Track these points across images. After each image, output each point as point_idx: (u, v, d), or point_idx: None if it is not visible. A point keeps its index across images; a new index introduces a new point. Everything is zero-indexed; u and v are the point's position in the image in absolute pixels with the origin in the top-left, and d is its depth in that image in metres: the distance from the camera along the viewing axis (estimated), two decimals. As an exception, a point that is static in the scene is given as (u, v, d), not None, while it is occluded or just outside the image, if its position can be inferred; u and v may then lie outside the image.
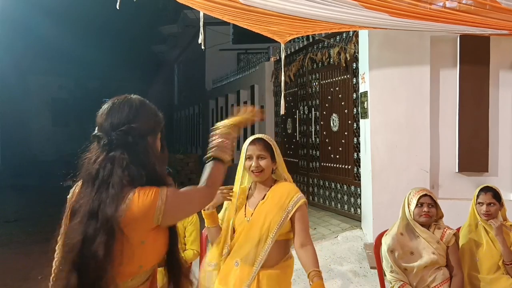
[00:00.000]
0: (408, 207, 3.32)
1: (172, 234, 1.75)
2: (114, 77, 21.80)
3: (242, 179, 2.77)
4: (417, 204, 3.27)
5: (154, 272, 1.75)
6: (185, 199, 1.71)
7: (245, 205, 2.72)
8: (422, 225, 3.29)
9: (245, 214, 2.68)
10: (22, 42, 18.23)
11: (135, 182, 1.61)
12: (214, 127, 2.14)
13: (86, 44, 19.43)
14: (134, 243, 1.58)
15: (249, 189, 2.78)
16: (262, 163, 2.64)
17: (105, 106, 1.72)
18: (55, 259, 1.69)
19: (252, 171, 2.65)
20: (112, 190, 1.57)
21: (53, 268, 1.69)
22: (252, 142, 2.70)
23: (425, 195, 3.30)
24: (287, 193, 2.65)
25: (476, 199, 3.45)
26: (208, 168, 1.87)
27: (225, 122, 2.17)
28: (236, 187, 2.74)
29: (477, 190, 3.48)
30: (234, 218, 2.69)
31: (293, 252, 2.70)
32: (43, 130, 20.93)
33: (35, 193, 13.05)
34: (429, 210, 3.27)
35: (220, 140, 2.01)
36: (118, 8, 4.15)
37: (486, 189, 3.44)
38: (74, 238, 1.57)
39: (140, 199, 1.57)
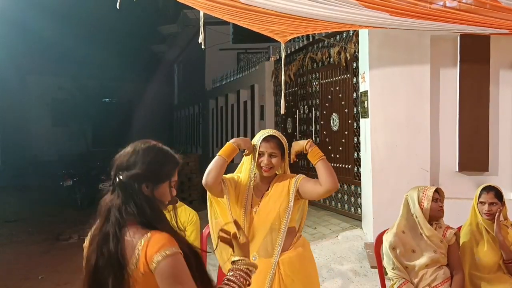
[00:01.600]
0: (420, 203, 3.28)
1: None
2: (114, 77, 21.79)
3: (244, 169, 2.86)
4: (433, 199, 3.26)
5: None
6: (177, 281, 1.64)
7: (252, 196, 2.80)
8: (432, 220, 3.28)
9: (251, 206, 2.77)
10: (22, 43, 18.20)
11: (137, 221, 1.69)
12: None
13: (85, 44, 19.41)
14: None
15: (254, 180, 2.84)
16: (274, 161, 2.74)
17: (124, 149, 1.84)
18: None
19: (262, 167, 2.74)
20: (111, 228, 1.68)
21: None
22: (265, 139, 2.77)
23: (438, 191, 3.33)
24: (288, 181, 2.76)
25: (478, 198, 3.44)
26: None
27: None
28: (244, 173, 2.83)
29: (479, 189, 3.48)
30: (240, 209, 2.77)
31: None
32: (43, 130, 20.90)
33: (35, 193, 13.07)
34: (442, 204, 3.30)
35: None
36: (118, 8, 4.15)
37: (488, 189, 3.43)
38: (89, 265, 1.70)
39: (150, 246, 1.63)
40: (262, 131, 2.88)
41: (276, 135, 2.79)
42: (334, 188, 2.61)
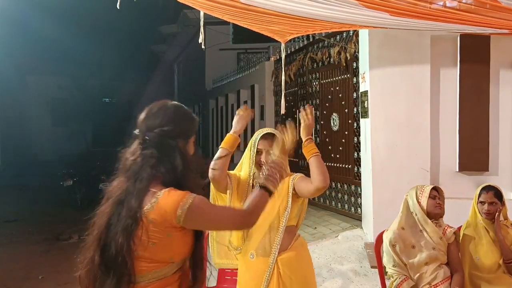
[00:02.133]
0: (418, 200, 3.30)
1: (199, 232, 1.87)
2: (114, 77, 21.80)
3: (244, 167, 2.85)
4: (430, 196, 3.27)
5: (184, 266, 1.86)
6: (211, 214, 1.79)
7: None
8: (430, 218, 3.29)
9: None
10: (22, 42, 18.20)
11: (163, 180, 1.77)
12: (270, 153, 2.26)
13: (85, 44, 19.40)
14: (161, 235, 1.72)
15: (252, 179, 2.83)
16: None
17: (145, 110, 1.91)
18: (88, 238, 1.83)
19: (260, 165, 2.73)
20: (139, 184, 1.74)
21: (85, 244, 1.84)
22: (263, 137, 2.78)
23: (437, 188, 3.35)
24: (286, 180, 2.74)
25: (478, 198, 3.44)
26: (253, 194, 1.91)
27: (277, 150, 2.23)
28: (244, 171, 2.83)
29: (479, 189, 3.48)
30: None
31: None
32: (43, 130, 20.89)
33: (35, 193, 13.06)
34: (441, 202, 3.30)
35: (273, 169, 2.00)
36: (118, 8, 4.15)
37: (488, 188, 3.44)
38: (101, 220, 1.77)
39: (168, 198, 1.71)
40: (259, 130, 2.89)
41: (274, 132, 2.79)
42: (323, 187, 2.56)
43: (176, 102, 1.96)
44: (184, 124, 1.90)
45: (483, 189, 3.45)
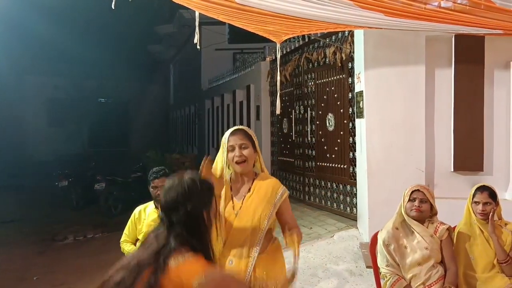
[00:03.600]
0: (403, 202, 3.36)
1: None
2: (110, 77, 21.74)
3: (220, 171, 2.77)
4: (409, 199, 3.32)
5: None
6: None
7: (232, 198, 2.73)
8: (414, 219, 3.31)
9: (233, 207, 2.69)
10: (18, 42, 18.14)
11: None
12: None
13: (81, 44, 19.34)
14: None
15: (230, 181, 2.78)
16: (245, 152, 2.67)
17: (164, 189, 1.97)
18: None
19: (236, 162, 2.67)
20: (160, 259, 1.77)
21: None
22: (232, 133, 2.73)
23: (418, 190, 3.34)
24: (271, 188, 2.70)
25: (472, 198, 3.46)
26: None
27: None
28: (219, 171, 2.76)
29: (473, 189, 3.49)
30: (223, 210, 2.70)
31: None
32: (39, 130, 20.82)
33: (31, 194, 13.02)
34: (420, 205, 3.30)
35: None
36: (113, 8, 4.14)
37: (482, 188, 3.45)
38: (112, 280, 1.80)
39: (184, 267, 1.75)
40: (228, 129, 2.84)
41: (242, 127, 2.77)
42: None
43: (189, 175, 1.99)
44: (204, 196, 1.96)
45: (478, 189, 3.46)
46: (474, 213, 3.44)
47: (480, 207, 3.39)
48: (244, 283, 1.92)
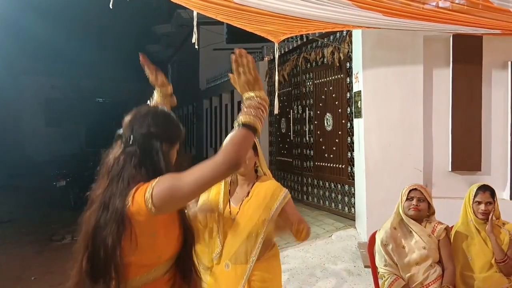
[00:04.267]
0: (401, 202, 3.36)
1: (186, 229, 1.82)
2: (108, 77, 21.73)
3: None
4: (407, 198, 3.32)
5: (174, 268, 1.81)
6: (171, 181, 1.64)
7: (229, 202, 2.68)
8: (412, 219, 3.31)
9: (230, 212, 2.64)
10: (15, 42, 18.11)
11: (145, 181, 1.69)
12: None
13: (79, 44, 19.35)
14: (145, 235, 1.67)
15: (230, 184, 2.74)
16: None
17: (132, 111, 1.88)
18: (76, 245, 1.77)
19: None
20: (121, 184, 1.69)
21: (74, 251, 1.77)
22: None
23: (415, 189, 3.33)
24: (271, 193, 2.64)
25: (474, 198, 3.43)
26: (234, 133, 1.70)
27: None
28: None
29: (474, 188, 3.47)
30: (219, 216, 2.64)
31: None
32: (37, 130, 20.80)
33: (28, 194, 12.98)
34: (418, 204, 3.29)
35: (257, 104, 1.77)
36: (111, 8, 4.14)
37: (484, 188, 3.43)
38: (89, 225, 1.72)
39: (136, 192, 1.66)
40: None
41: None
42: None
43: (164, 108, 1.93)
44: (170, 129, 1.86)
45: (479, 189, 3.44)
46: (474, 213, 3.42)
47: (482, 207, 3.38)
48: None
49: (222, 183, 2.71)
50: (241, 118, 1.72)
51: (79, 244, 1.73)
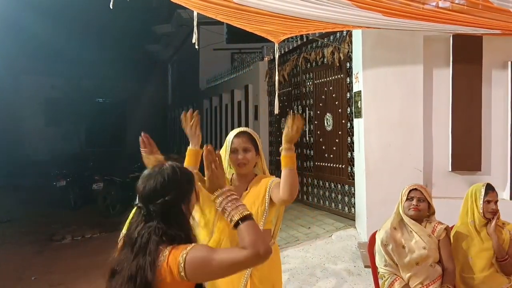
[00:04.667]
0: (401, 202, 3.36)
1: None
2: (108, 77, 21.68)
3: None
4: (407, 198, 3.32)
5: None
6: (203, 261, 1.71)
7: None
8: (413, 219, 3.32)
9: None
10: (15, 42, 18.09)
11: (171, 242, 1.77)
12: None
13: (79, 44, 19.31)
14: None
15: (231, 181, 2.79)
16: (248, 155, 2.70)
17: (141, 178, 1.89)
18: None
19: (237, 164, 2.69)
20: (149, 257, 1.73)
21: None
22: (237, 135, 2.74)
23: (415, 189, 3.34)
24: (264, 185, 2.70)
25: (484, 197, 3.41)
26: (244, 231, 1.78)
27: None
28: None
29: (481, 188, 3.44)
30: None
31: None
32: (36, 130, 20.76)
33: (28, 193, 12.98)
34: (418, 204, 3.30)
35: (230, 199, 1.88)
36: (111, 8, 4.14)
37: (492, 187, 3.45)
38: None
39: (170, 254, 1.72)
40: (233, 130, 2.85)
41: (248, 130, 2.77)
42: (288, 200, 2.52)
43: (171, 164, 1.93)
44: (184, 187, 1.88)
45: (489, 188, 3.43)
46: (483, 211, 3.40)
47: (492, 205, 3.39)
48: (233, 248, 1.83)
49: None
50: (238, 215, 1.81)
51: None
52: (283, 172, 2.52)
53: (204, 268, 1.69)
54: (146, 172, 1.91)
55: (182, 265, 1.67)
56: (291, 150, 2.54)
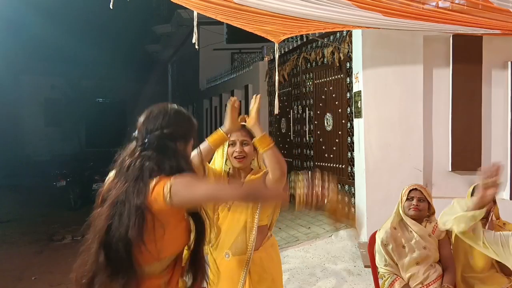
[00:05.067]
0: (401, 202, 3.37)
1: (199, 227, 1.87)
2: (107, 77, 21.70)
3: (216, 162, 2.79)
4: (407, 198, 3.32)
5: (173, 263, 1.84)
6: (187, 183, 1.73)
7: None
8: (413, 219, 3.32)
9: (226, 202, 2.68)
10: (15, 42, 18.11)
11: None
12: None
13: (79, 44, 19.32)
14: (155, 226, 1.72)
15: (228, 176, 2.79)
16: (246, 149, 2.70)
17: (145, 112, 1.91)
18: (86, 240, 1.82)
19: (235, 157, 2.69)
20: (139, 183, 1.74)
21: (83, 248, 1.82)
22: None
23: (415, 189, 3.35)
24: (258, 178, 2.70)
25: (471, 197, 3.44)
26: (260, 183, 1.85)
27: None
28: (218, 166, 2.78)
29: (471, 188, 3.48)
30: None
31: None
32: (36, 130, 20.78)
33: (28, 193, 12.98)
34: (418, 204, 3.30)
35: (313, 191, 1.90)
36: (111, 8, 4.14)
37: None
38: (100, 222, 1.75)
39: (157, 184, 1.73)
40: None
41: (246, 125, 2.76)
42: (282, 176, 2.53)
43: (176, 105, 1.96)
44: (184, 127, 1.90)
45: (476, 188, 3.45)
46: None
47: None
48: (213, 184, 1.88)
49: (223, 173, 2.77)
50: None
51: (91, 241, 1.76)
52: (267, 153, 2.53)
53: (188, 193, 1.71)
54: (152, 107, 1.92)
55: (169, 187, 1.69)
56: (259, 131, 2.57)
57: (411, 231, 3.32)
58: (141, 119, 1.89)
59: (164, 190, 1.69)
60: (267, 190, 1.78)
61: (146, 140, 1.82)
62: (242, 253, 2.62)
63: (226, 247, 2.64)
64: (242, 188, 1.74)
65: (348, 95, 6.45)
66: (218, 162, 2.79)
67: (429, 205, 3.38)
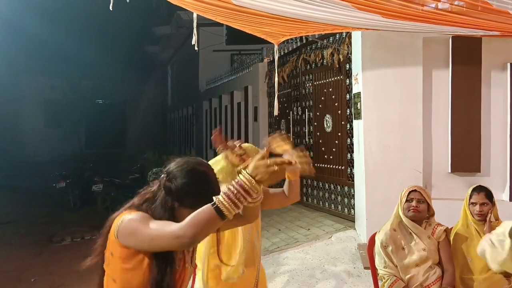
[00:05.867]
0: (401, 203, 3.37)
1: (160, 266, 1.79)
2: (107, 78, 21.71)
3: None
4: (407, 199, 3.33)
5: None
6: (132, 229, 1.74)
7: None
8: (412, 220, 3.32)
9: None
10: (15, 43, 18.12)
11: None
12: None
13: (79, 45, 19.33)
14: (107, 254, 1.84)
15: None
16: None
17: (177, 162, 1.93)
18: None
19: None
20: (117, 212, 1.89)
21: None
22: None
23: (415, 190, 3.35)
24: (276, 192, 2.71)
25: (469, 199, 3.46)
26: (200, 211, 1.62)
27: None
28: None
29: (470, 190, 3.50)
30: None
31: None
32: (36, 131, 20.77)
33: (28, 195, 12.98)
34: (418, 205, 3.31)
35: (239, 188, 1.61)
36: (111, 9, 4.14)
37: (479, 189, 3.45)
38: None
39: (119, 215, 1.83)
40: None
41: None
42: (296, 201, 2.63)
43: (204, 169, 1.92)
44: (190, 196, 1.83)
45: (474, 190, 3.46)
46: (471, 214, 3.44)
47: (477, 208, 3.40)
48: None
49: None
50: (219, 196, 1.61)
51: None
52: (296, 181, 2.59)
53: (133, 236, 1.73)
54: (186, 159, 1.93)
55: (118, 226, 1.76)
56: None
57: (410, 233, 3.32)
58: (174, 163, 1.91)
59: (117, 223, 1.78)
60: (203, 223, 1.59)
61: (162, 183, 1.88)
62: (252, 264, 2.67)
63: (241, 263, 2.65)
64: (182, 229, 1.60)
65: (347, 96, 6.46)
66: (219, 165, 2.74)
67: (429, 206, 3.38)
